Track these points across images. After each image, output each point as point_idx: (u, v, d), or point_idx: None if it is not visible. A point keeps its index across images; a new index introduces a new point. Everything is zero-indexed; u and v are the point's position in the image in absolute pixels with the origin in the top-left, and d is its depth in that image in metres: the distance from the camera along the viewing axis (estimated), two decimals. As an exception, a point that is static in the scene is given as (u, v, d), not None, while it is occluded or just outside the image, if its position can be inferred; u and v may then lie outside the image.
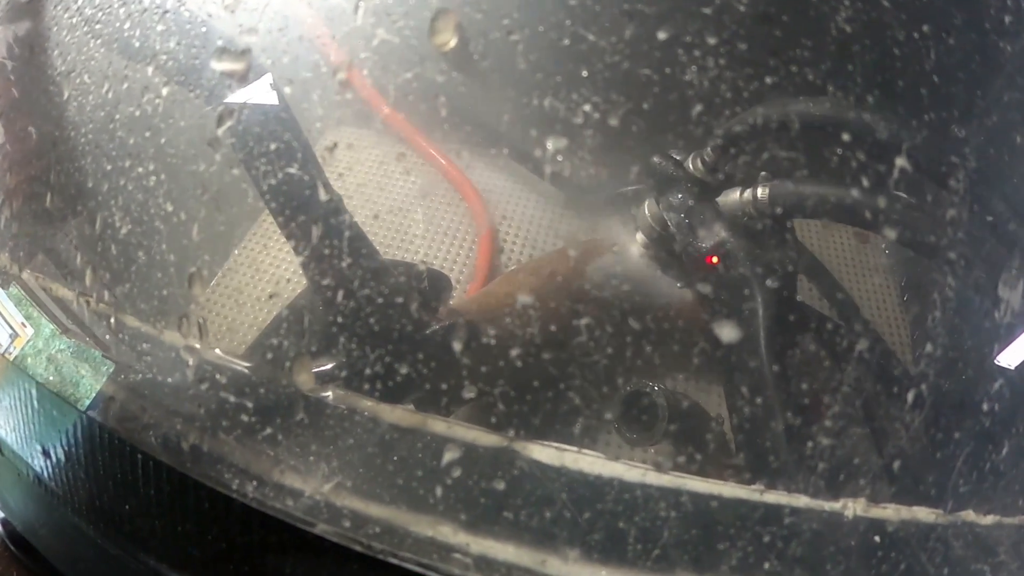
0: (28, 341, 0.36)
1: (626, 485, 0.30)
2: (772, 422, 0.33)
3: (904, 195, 0.29)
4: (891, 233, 0.34)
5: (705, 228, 0.30)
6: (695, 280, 0.30)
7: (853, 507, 0.32)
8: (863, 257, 0.45)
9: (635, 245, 0.33)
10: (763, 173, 0.29)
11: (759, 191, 0.30)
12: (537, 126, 0.25)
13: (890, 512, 0.33)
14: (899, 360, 0.41)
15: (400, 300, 0.30)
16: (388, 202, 0.32)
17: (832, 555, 0.30)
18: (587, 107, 0.25)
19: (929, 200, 0.27)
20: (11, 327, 0.37)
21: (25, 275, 0.36)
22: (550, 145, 0.24)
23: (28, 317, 0.36)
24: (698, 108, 0.25)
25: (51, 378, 0.34)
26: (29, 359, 0.35)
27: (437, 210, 0.34)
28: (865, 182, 0.28)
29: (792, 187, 0.30)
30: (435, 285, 0.31)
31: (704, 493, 0.30)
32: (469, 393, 0.27)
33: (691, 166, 0.30)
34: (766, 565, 0.29)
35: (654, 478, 0.30)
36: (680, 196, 0.30)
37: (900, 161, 0.27)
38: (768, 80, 0.26)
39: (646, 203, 0.32)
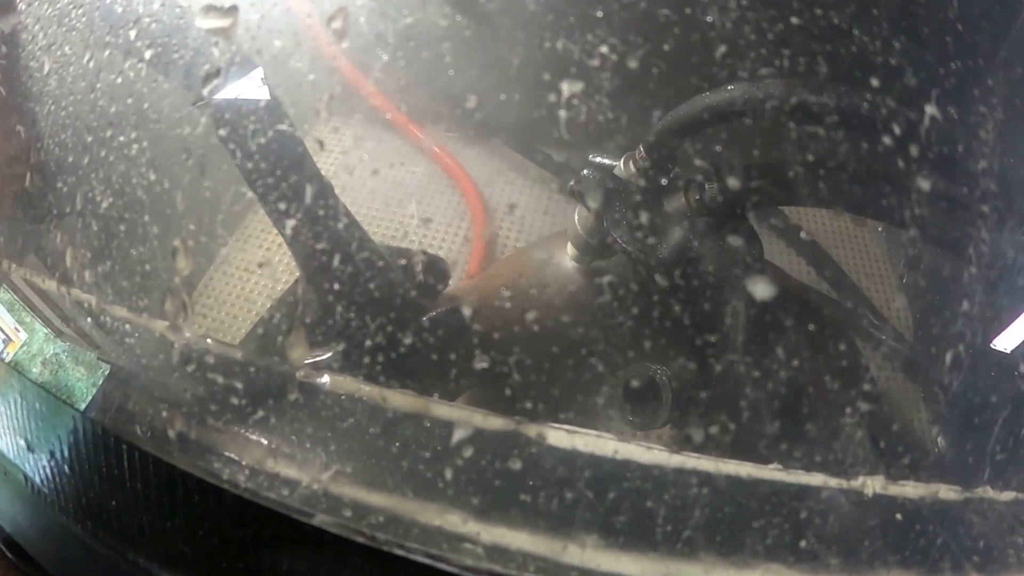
0: (22, 345, 0.32)
1: (641, 467, 0.25)
2: (777, 402, 0.29)
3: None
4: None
5: (661, 235, 0.26)
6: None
7: (872, 485, 0.28)
8: (860, 240, 0.42)
9: (566, 258, 0.30)
10: (703, 166, 0.25)
11: (707, 187, 0.26)
12: (549, 70, 0.20)
13: (908, 489, 0.28)
14: (904, 339, 0.37)
15: (399, 284, 0.25)
16: (383, 188, 0.27)
17: (852, 532, 0.26)
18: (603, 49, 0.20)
19: (960, 150, 0.23)
20: (4, 332, 0.33)
21: (16, 279, 0.31)
22: (565, 89, 0.19)
23: (21, 322, 0.32)
24: (722, 49, 0.21)
25: (46, 381, 0.29)
26: (23, 363, 0.30)
27: (431, 196, 0.30)
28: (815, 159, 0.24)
29: (744, 176, 0.26)
30: (434, 270, 0.27)
31: (723, 474, 0.26)
32: (480, 364, 0.23)
33: (624, 171, 0.26)
34: (788, 544, 0.25)
35: (669, 459, 0.26)
36: (621, 208, 0.26)
37: (930, 109, 0.23)
38: (794, 21, 0.21)
39: (576, 214, 0.28)
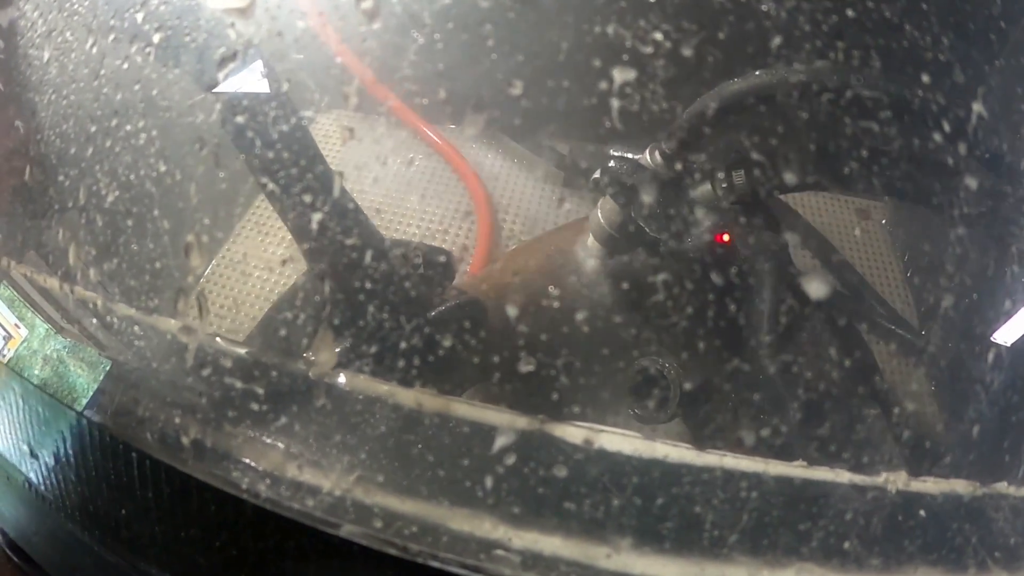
0: (22, 342, 0.30)
1: (666, 466, 0.24)
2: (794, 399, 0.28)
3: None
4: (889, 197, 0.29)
5: (691, 224, 0.24)
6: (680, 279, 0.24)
7: (895, 481, 0.26)
8: (865, 233, 0.41)
9: (585, 251, 0.29)
10: (731, 155, 0.24)
11: (733, 175, 0.24)
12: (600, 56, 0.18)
13: (930, 485, 0.27)
14: (913, 332, 0.36)
15: (408, 280, 0.23)
16: (388, 183, 0.26)
17: (879, 530, 0.25)
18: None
19: (1005, 148, 0.22)
20: (4, 329, 0.30)
21: (16, 275, 0.29)
22: (617, 76, 0.18)
23: (21, 318, 0.30)
24: (777, 40, 0.19)
25: (47, 378, 0.27)
26: (24, 360, 0.28)
27: (436, 191, 0.29)
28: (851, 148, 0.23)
29: (768, 165, 0.24)
30: (441, 264, 0.25)
31: (750, 472, 0.24)
32: (526, 366, 0.21)
33: (650, 161, 0.24)
34: (814, 542, 0.23)
35: (696, 458, 0.24)
36: (651, 197, 0.24)
37: (977, 107, 0.21)
38: (849, 14, 0.20)
39: (599, 208, 0.26)
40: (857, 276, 0.36)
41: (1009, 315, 0.28)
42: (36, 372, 0.28)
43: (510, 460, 0.21)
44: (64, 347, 0.28)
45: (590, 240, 0.29)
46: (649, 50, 0.18)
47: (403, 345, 0.23)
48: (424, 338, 0.23)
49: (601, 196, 0.27)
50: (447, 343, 0.23)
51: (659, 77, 0.18)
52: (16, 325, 0.30)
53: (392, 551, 0.20)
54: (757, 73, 0.21)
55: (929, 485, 0.27)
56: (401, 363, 0.23)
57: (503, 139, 0.32)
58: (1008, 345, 0.28)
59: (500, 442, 0.21)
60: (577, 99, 0.18)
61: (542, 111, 0.19)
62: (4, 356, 0.30)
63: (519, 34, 0.19)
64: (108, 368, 0.26)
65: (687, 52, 0.18)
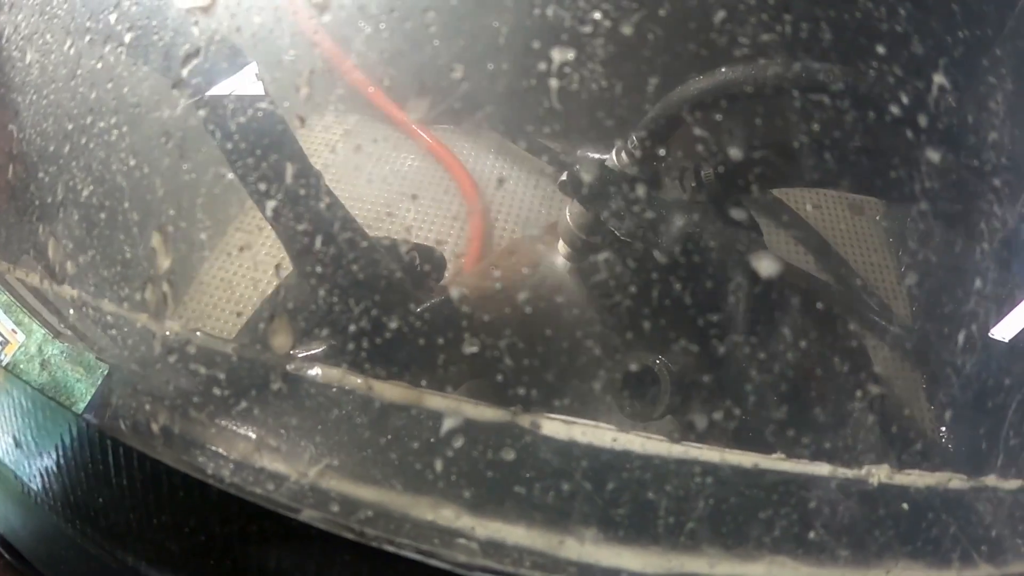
0: (19, 347, 0.30)
1: (640, 457, 0.23)
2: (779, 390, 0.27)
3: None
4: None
5: (661, 224, 0.24)
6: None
7: (877, 474, 0.26)
8: (859, 229, 0.40)
9: (558, 257, 0.28)
10: (697, 151, 0.23)
11: (703, 172, 0.24)
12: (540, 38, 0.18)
13: (914, 478, 0.26)
14: (905, 323, 0.35)
15: (393, 275, 0.23)
16: (377, 181, 0.25)
17: (859, 523, 0.24)
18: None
19: (970, 121, 0.21)
20: (1, 334, 0.31)
21: (11, 279, 0.29)
22: (556, 56, 0.17)
23: (18, 323, 0.30)
24: (721, 15, 0.19)
25: (45, 383, 0.27)
26: (21, 365, 0.29)
27: (427, 189, 0.28)
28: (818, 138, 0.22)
29: (739, 158, 0.24)
30: (429, 261, 0.25)
31: (725, 464, 0.24)
32: (471, 350, 0.21)
33: (617, 161, 0.24)
34: (794, 535, 0.23)
35: (669, 449, 0.24)
36: (618, 198, 0.24)
37: (938, 78, 0.21)
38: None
39: (567, 210, 0.26)
40: (846, 267, 0.36)
41: (998, 305, 0.27)
42: (34, 376, 0.28)
43: (466, 446, 0.21)
44: (61, 351, 0.28)
45: (560, 244, 0.29)
46: (588, 29, 0.18)
47: (379, 338, 0.23)
48: (405, 331, 0.22)
49: (569, 199, 0.27)
50: (423, 339, 0.23)
51: (599, 56, 0.17)
52: (13, 330, 0.31)
53: (349, 535, 0.20)
54: (723, 70, 0.21)
55: (913, 478, 0.26)
56: (377, 356, 0.23)
57: (495, 137, 0.32)
58: (996, 336, 0.27)
59: (448, 425, 0.21)
60: (516, 81, 0.18)
61: (483, 95, 0.19)
62: (2, 361, 0.30)
63: (462, 19, 0.19)
64: (107, 371, 0.26)
65: (627, 30, 0.18)
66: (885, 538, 0.24)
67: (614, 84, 0.18)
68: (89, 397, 0.26)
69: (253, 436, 0.23)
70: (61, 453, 0.27)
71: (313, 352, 0.23)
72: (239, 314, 0.26)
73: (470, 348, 0.23)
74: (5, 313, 0.30)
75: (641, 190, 0.25)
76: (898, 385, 0.31)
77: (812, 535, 0.23)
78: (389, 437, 0.22)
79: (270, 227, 0.23)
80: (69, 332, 0.28)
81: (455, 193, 0.31)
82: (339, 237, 0.22)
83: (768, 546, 0.23)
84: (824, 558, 0.23)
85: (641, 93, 0.20)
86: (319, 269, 0.22)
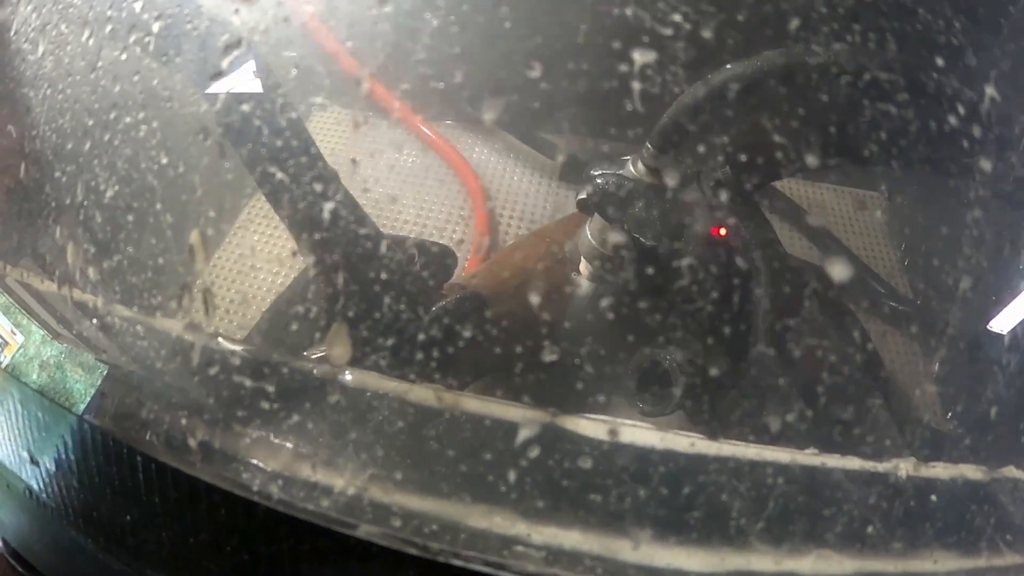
0: (19, 349, 0.28)
1: (679, 457, 0.23)
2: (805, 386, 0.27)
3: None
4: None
5: (685, 225, 0.24)
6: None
7: (904, 467, 0.25)
8: (862, 223, 0.40)
9: (580, 276, 0.28)
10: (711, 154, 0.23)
11: (719, 173, 0.23)
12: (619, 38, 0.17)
13: (939, 471, 0.26)
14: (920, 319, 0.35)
15: (415, 276, 0.22)
16: (385, 180, 0.24)
17: (887, 512, 0.24)
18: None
19: (1017, 132, 0.21)
20: (0, 336, 0.29)
21: (11, 281, 0.28)
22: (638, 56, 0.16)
23: (17, 325, 0.28)
24: (795, 22, 0.18)
25: (44, 384, 0.25)
26: (21, 367, 0.27)
27: (433, 187, 0.27)
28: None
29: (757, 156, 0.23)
30: (441, 259, 0.24)
31: (757, 460, 0.23)
32: (549, 356, 0.20)
33: (634, 171, 0.23)
34: (828, 529, 0.23)
35: (708, 447, 0.23)
36: (641, 207, 0.23)
37: (990, 90, 0.20)
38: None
39: (587, 226, 0.26)
40: (858, 262, 0.36)
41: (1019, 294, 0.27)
42: (33, 378, 0.27)
43: (531, 454, 0.20)
44: (61, 353, 0.26)
45: (582, 264, 0.28)
46: (669, 32, 0.17)
47: (405, 340, 0.21)
48: (426, 333, 0.21)
49: (589, 216, 0.26)
50: (449, 338, 0.22)
51: (679, 59, 0.17)
52: (12, 332, 0.29)
53: (412, 551, 0.19)
54: (728, 67, 0.20)
55: (938, 471, 0.26)
56: (404, 358, 0.21)
57: (500, 133, 0.31)
58: (1016, 328, 0.27)
59: (522, 435, 0.20)
60: (596, 83, 0.17)
61: (559, 95, 0.18)
62: (1, 363, 0.28)
63: (537, 15, 0.18)
64: (106, 372, 0.25)
65: (707, 34, 0.17)
66: (916, 530, 0.24)
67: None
68: (88, 398, 0.25)
69: (298, 448, 0.21)
70: (70, 462, 0.26)
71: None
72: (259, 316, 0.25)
73: (501, 350, 0.22)
74: (4, 315, 0.29)
75: (663, 196, 0.24)
76: (914, 378, 0.31)
77: (843, 527, 0.23)
78: (436, 445, 0.21)
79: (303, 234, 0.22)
80: (67, 333, 0.26)
81: (464, 192, 0.30)
82: (370, 241, 0.21)
83: (814, 540, 0.23)
84: (866, 550, 0.23)
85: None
86: (360, 275, 0.21)
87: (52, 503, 0.27)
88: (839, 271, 0.22)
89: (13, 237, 0.28)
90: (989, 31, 0.22)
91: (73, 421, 0.24)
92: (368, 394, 0.21)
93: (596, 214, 0.25)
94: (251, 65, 0.21)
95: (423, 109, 0.21)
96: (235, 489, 0.21)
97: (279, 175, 0.20)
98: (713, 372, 0.26)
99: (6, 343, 0.29)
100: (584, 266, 0.28)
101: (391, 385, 0.22)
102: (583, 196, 0.25)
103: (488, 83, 0.17)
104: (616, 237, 0.25)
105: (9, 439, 0.29)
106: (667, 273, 0.24)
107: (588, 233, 0.26)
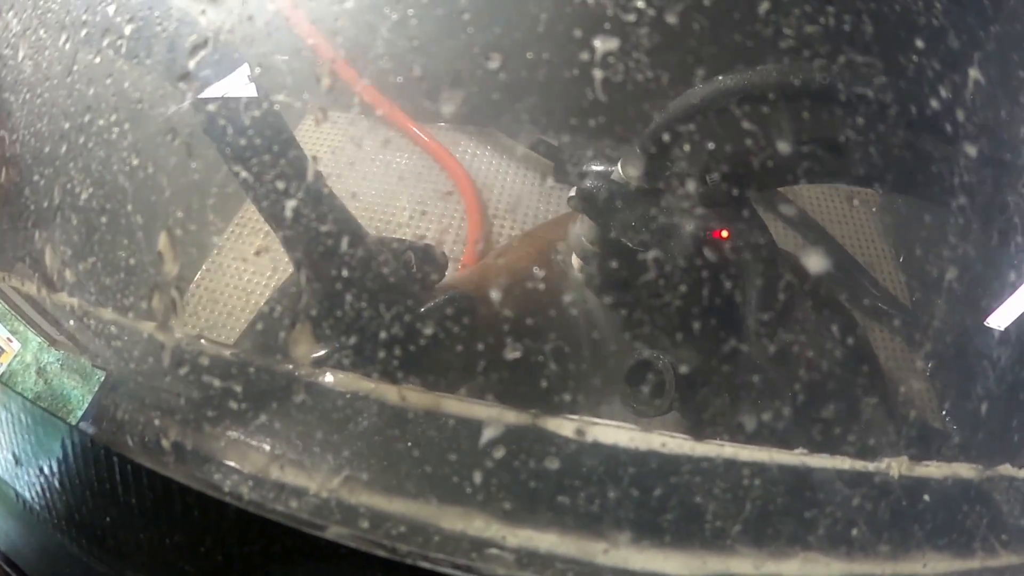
0: (15, 356, 0.28)
1: (665, 458, 0.22)
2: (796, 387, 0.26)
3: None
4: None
5: (672, 232, 0.23)
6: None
7: (897, 466, 0.25)
8: (856, 219, 0.39)
9: (571, 270, 0.28)
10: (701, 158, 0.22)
11: (708, 178, 0.23)
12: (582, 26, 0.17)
13: (932, 470, 0.26)
14: (911, 317, 0.35)
15: (399, 275, 0.22)
16: (373, 180, 0.24)
17: (879, 513, 0.23)
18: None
19: (1004, 115, 0.20)
20: None
21: (6, 288, 0.28)
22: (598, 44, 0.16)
23: (14, 332, 0.28)
24: (765, 6, 0.17)
25: (40, 392, 0.25)
26: (17, 374, 0.27)
27: (424, 187, 0.27)
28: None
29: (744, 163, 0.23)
30: (430, 260, 0.24)
31: (748, 462, 0.22)
32: (512, 353, 0.19)
33: (623, 174, 0.23)
34: (816, 531, 0.22)
35: (693, 448, 0.22)
36: (627, 210, 0.23)
37: (974, 73, 0.20)
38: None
39: (578, 223, 0.26)
40: (851, 260, 0.35)
41: (1012, 291, 0.26)
42: (30, 385, 0.27)
43: (499, 454, 0.20)
44: (57, 359, 0.26)
45: (573, 259, 0.28)
46: (632, 18, 0.16)
47: (385, 340, 0.21)
48: (410, 333, 0.21)
49: (578, 214, 0.26)
50: (434, 339, 0.22)
51: (643, 47, 0.16)
52: (8, 339, 0.29)
53: (381, 552, 0.18)
54: (719, 78, 0.20)
55: (932, 470, 0.25)
56: (384, 359, 0.21)
57: (491, 132, 0.31)
58: (1009, 324, 0.26)
59: (487, 435, 0.19)
60: (557, 71, 0.16)
61: (521, 86, 0.17)
62: None
63: (496, 6, 0.17)
64: (102, 379, 0.24)
65: (672, 19, 0.17)
66: (909, 530, 0.24)
67: (660, 75, 0.17)
68: (85, 406, 0.25)
69: (270, 449, 0.21)
70: (55, 466, 0.25)
71: (322, 354, 0.22)
72: (243, 319, 0.24)
73: (492, 351, 0.22)
74: (1, 322, 0.28)
75: (648, 200, 0.24)
76: (911, 376, 0.30)
77: (833, 529, 0.22)
78: (412, 446, 0.21)
79: (273, 229, 0.22)
80: (65, 340, 0.26)
81: (455, 190, 0.29)
82: (348, 239, 0.21)
83: (800, 543, 0.22)
84: (855, 552, 0.22)
85: (687, 84, 0.19)
86: (330, 271, 0.20)
87: (39, 508, 0.27)
88: (815, 263, 0.21)
89: (7, 244, 0.28)
90: (973, 12, 0.21)
91: (66, 429, 0.24)
92: (338, 395, 0.21)
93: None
94: (227, 63, 0.21)
95: (383, 103, 0.21)
96: (206, 490, 0.20)
97: (255, 167, 0.20)
98: (702, 372, 0.26)
99: (2, 350, 0.29)
100: (575, 261, 0.27)
101: (365, 385, 0.21)
102: (571, 194, 0.25)
103: (447, 75, 0.16)
104: (600, 238, 0.25)
105: (3, 448, 0.29)
106: (647, 274, 0.24)
107: (578, 229, 0.26)
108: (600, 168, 0.24)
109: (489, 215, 0.30)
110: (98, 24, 0.23)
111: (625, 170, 0.24)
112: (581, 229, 0.26)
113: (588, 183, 0.24)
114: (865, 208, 0.38)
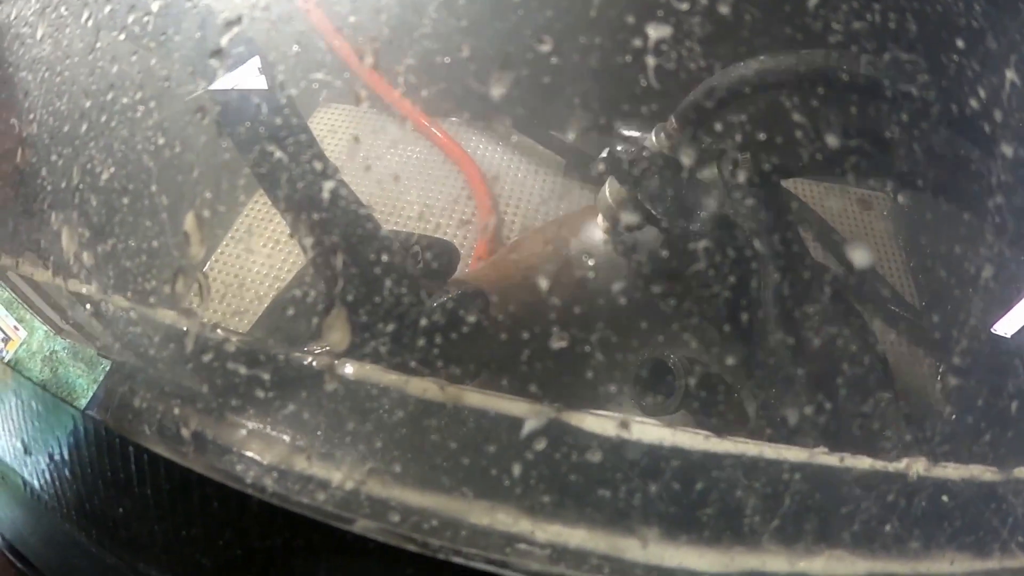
0: (21, 343, 0.27)
1: (689, 454, 0.21)
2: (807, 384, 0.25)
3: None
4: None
5: (697, 207, 0.23)
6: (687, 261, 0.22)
7: (916, 467, 0.24)
8: (866, 223, 0.39)
9: (597, 229, 0.27)
10: (736, 137, 0.22)
11: (739, 157, 0.22)
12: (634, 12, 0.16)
13: (950, 471, 0.25)
14: (923, 319, 0.34)
15: (413, 271, 0.21)
16: (388, 175, 0.23)
17: (898, 513, 0.23)
18: None
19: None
20: (2, 331, 0.28)
21: (13, 276, 0.27)
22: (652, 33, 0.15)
23: (20, 320, 0.27)
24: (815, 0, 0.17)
25: (47, 379, 0.24)
26: (23, 362, 0.26)
27: (436, 183, 0.26)
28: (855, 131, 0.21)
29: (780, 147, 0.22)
30: (444, 255, 0.23)
31: (771, 460, 0.22)
32: (558, 342, 0.18)
33: (656, 143, 0.22)
34: (850, 529, 0.21)
35: (719, 446, 0.22)
36: (657, 181, 0.22)
37: (1010, 75, 0.19)
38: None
39: (607, 185, 0.25)
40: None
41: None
42: (36, 373, 0.26)
43: (536, 448, 0.19)
44: (63, 347, 0.25)
45: (599, 219, 0.27)
46: (685, 6, 0.16)
47: (409, 334, 0.20)
48: (429, 328, 0.20)
49: (607, 176, 0.25)
50: (452, 332, 0.21)
51: (695, 35, 0.16)
52: (15, 327, 0.28)
53: (412, 547, 0.18)
54: (762, 58, 0.20)
55: (949, 471, 0.25)
56: (406, 350, 0.20)
57: (502, 127, 0.30)
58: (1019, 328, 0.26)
59: (528, 429, 0.19)
60: (608, 58, 0.16)
61: (570, 72, 0.17)
62: (3, 358, 0.27)
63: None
64: (108, 368, 0.23)
65: (724, 9, 0.16)
66: (928, 531, 0.23)
67: (712, 64, 0.16)
68: (91, 393, 0.24)
69: (295, 440, 0.20)
70: (65, 454, 0.24)
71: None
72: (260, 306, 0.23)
73: (510, 343, 0.21)
74: (7, 310, 0.28)
75: (678, 171, 0.23)
76: (926, 378, 0.30)
77: (853, 528, 0.22)
78: (438, 439, 0.20)
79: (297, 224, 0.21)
80: (71, 328, 0.25)
81: (463, 186, 0.29)
82: (367, 234, 0.20)
83: (825, 541, 0.21)
84: (877, 550, 0.22)
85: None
86: (361, 264, 0.20)
87: (47, 497, 0.26)
88: (861, 256, 0.20)
89: (10, 226, 0.27)
90: (1009, 14, 0.21)
91: (72, 415, 0.23)
92: (368, 386, 0.20)
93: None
94: (251, 46, 0.20)
95: (429, 85, 0.20)
96: (228, 481, 0.19)
97: (279, 156, 0.19)
98: (721, 366, 0.25)
99: (8, 338, 0.28)
100: (600, 221, 0.27)
101: (392, 377, 0.20)
102: (602, 155, 0.25)
103: (496, 58, 0.16)
104: (629, 206, 0.25)
105: (6, 433, 0.28)
106: (676, 252, 0.23)
107: (607, 192, 0.26)
108: (634, 134, 0.24)
109: (500, 211, 0.29)
110: (124, 1, 0.22)
111: (659, 138, 0.23)
112: (610, 191, 0.26)
113: (619, 149, 0.24)
114: (878, 212, 0.38)
